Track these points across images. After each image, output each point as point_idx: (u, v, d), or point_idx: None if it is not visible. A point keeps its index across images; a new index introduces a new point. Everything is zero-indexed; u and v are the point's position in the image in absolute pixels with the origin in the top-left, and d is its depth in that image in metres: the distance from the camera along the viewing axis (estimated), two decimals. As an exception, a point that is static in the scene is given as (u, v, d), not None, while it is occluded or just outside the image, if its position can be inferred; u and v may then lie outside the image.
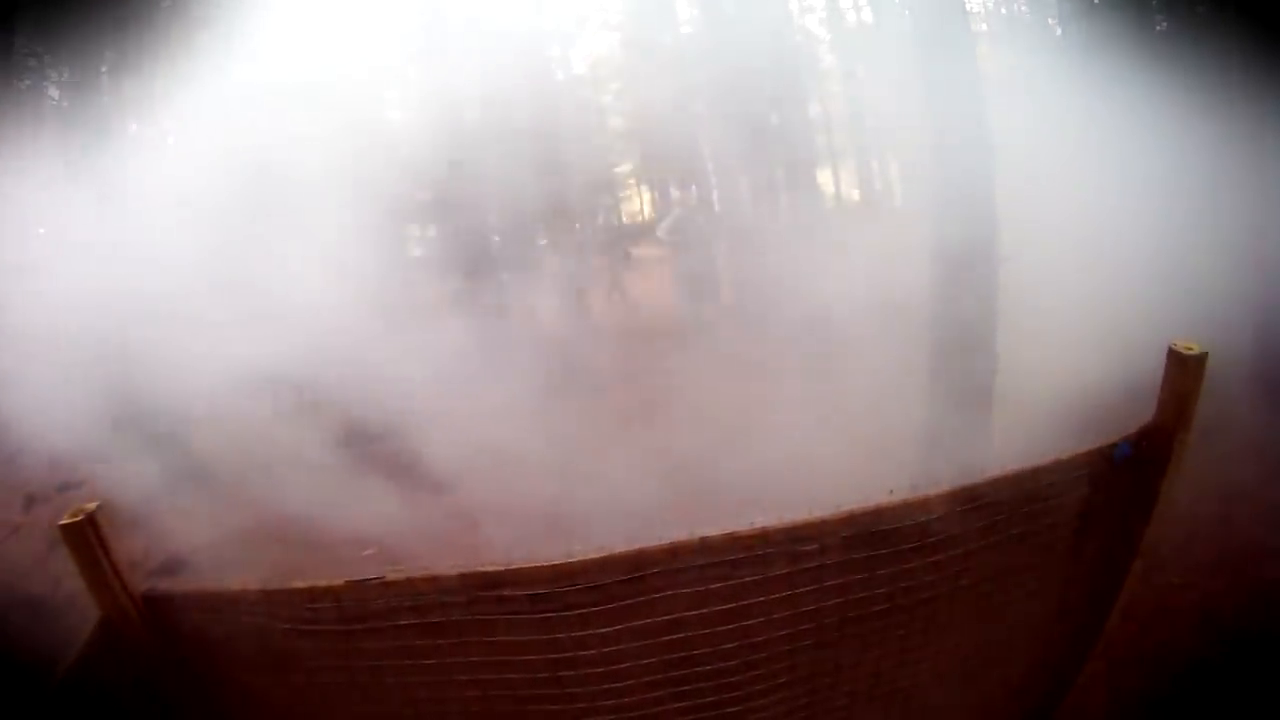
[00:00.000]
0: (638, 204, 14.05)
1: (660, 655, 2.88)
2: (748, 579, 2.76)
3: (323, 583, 2.89)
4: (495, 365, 9.64)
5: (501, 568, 2.75)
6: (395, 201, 11.83)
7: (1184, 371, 2.95)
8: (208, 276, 8.83)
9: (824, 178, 11.95)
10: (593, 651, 2.86)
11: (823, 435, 8.14)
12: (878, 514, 2.77)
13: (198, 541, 7.62)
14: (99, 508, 3.01)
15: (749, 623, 2.85)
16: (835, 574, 2.82)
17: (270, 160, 8.65)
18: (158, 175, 9.06)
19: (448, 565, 2.80)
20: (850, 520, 2.75)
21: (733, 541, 2.71)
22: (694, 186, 12.65)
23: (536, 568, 2.73)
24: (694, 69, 11.54)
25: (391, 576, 2.81)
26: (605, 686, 2.95)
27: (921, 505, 2.80)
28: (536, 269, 10.89)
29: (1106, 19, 7.78)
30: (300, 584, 2.97)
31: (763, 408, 8.82)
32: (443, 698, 3.04)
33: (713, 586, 2.76)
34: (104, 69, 9.04)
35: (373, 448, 9.08)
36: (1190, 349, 2.94)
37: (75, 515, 2.96)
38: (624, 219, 13.95)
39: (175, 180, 9.15)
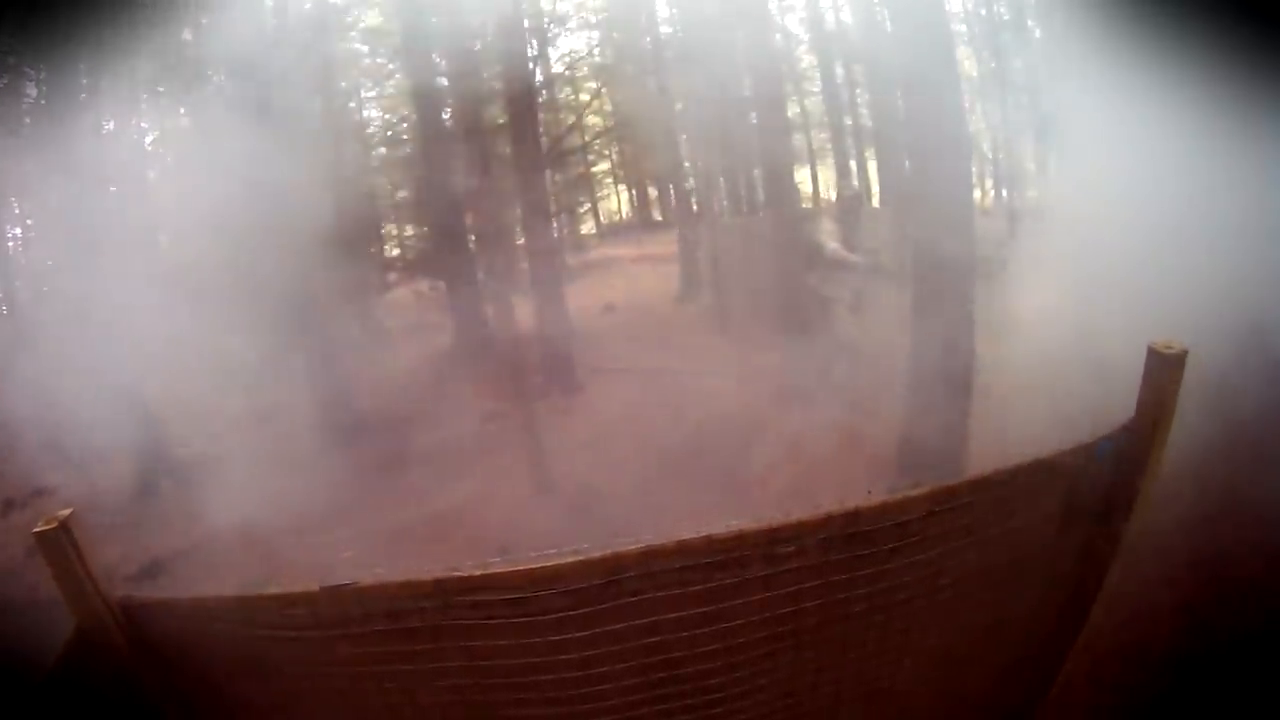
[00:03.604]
0: (615, 203, 14.03)
1: (638, 659, 2.87)
2: (725, 581, 2.75)
3: (299, 589, 2.88)
4: (473, 367, 9.63)
5: (477, 572, 2.73)
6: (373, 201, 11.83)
7: (1164, 370, 2.96)
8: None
9: (802, 178, 11.97)
10: (570, 655, 2.85)
11: (805, 433, 8.15)
12: (855, 515, 2.75)
13: (175, 547, 7.59)
14: (73, 514, 2.98)
15: (727, 625, 2.84)
16: (813, 576, 2.81)
17: (246, 160, 8.62)
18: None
19: (423, 570, 2.79)
20: (828, 522, 2.74)
21: (710, 544, 2.70)
22: (671, 186, 12.64)
23: (512, 572, 2.71)
24: (673, 68, 11.54)
25: (367, 582, 2.79)
26: (583, 690, 2.94)
27: (900, 506, 2.79)
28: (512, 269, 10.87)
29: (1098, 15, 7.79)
30: (276, 590, 2.96)
31: (745, 405, 8.83)
32: (420, 703, 3.03)
33: (690, 589, 2.75)
34: (82, 66, 9.00)
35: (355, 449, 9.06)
36: (1170, 348, 2.94)
37: (49, 522, 2.93)
38: (601, 218, 13.94)
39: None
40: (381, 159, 12.19)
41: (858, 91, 12.08)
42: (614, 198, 14.06)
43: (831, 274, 7.91)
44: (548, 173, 11.41)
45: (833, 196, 12.35)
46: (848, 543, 2.78)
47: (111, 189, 9.21)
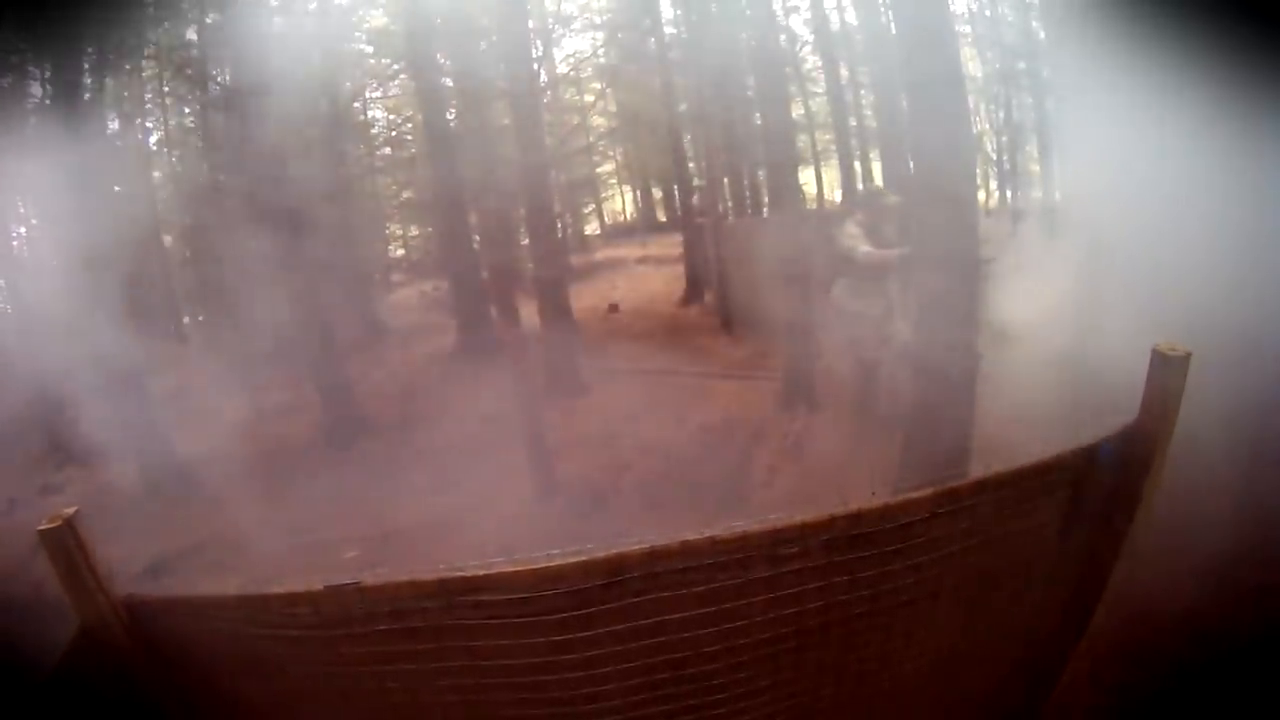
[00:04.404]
0: (620, 204, 14.08)
1: (642, 659, 2.87)
2: (729, 582, 2.75)
3: (302, 588, 2.88)
4: (481, 366, 9.64)
5: (481, 572, 2.73)
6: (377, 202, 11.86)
7: (1167, 372, 2.96)
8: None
9: (806, 178, 11.99)
10: (574, 655, 2.84)
11: (808, 434, 8.15)
12: (858, 517, 2.75)
13: (179, 546, 7.60)
14: (77, 513, 2.98)
15: (731, 626, 2.84)
16: (817, 577, 2.81)
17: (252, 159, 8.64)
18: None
19: (427, 570, 2.79)
20: (831, 523, 2.73)
21: (714, 545, 2.69)
22: (676, 187, 12.67)
23: (515, 572, 2.71)
24: (677, 69, 11.56)
25: (370, 582, 2.79)
26: (586, 690, 2.93)
27: (903, 508, 2.79)
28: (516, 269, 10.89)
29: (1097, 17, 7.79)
30: (279, 589, 2.96)
31: (749, 406, 8.83)
32: (422, 702, 3.03)
33: (694, 590, 2.74)
34: (87, 66, 9.02)
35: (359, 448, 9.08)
36: (1174, 350, 2.94)
37: (54, 520, 2.93)
38: (606, 219, 13.98)
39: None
40: (386, 159, 12.23)
41: (862, 92, 12.12)
42: (618, 198, 14.12)
43: (864, 281, 7.76)
44: (552, 173, 11.44)
45: (838, 197, 12.38)
46: (851, 544, 2.78)
47: (116, 188, 9.24)
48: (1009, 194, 11.33)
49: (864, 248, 7.57)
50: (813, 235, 8.73)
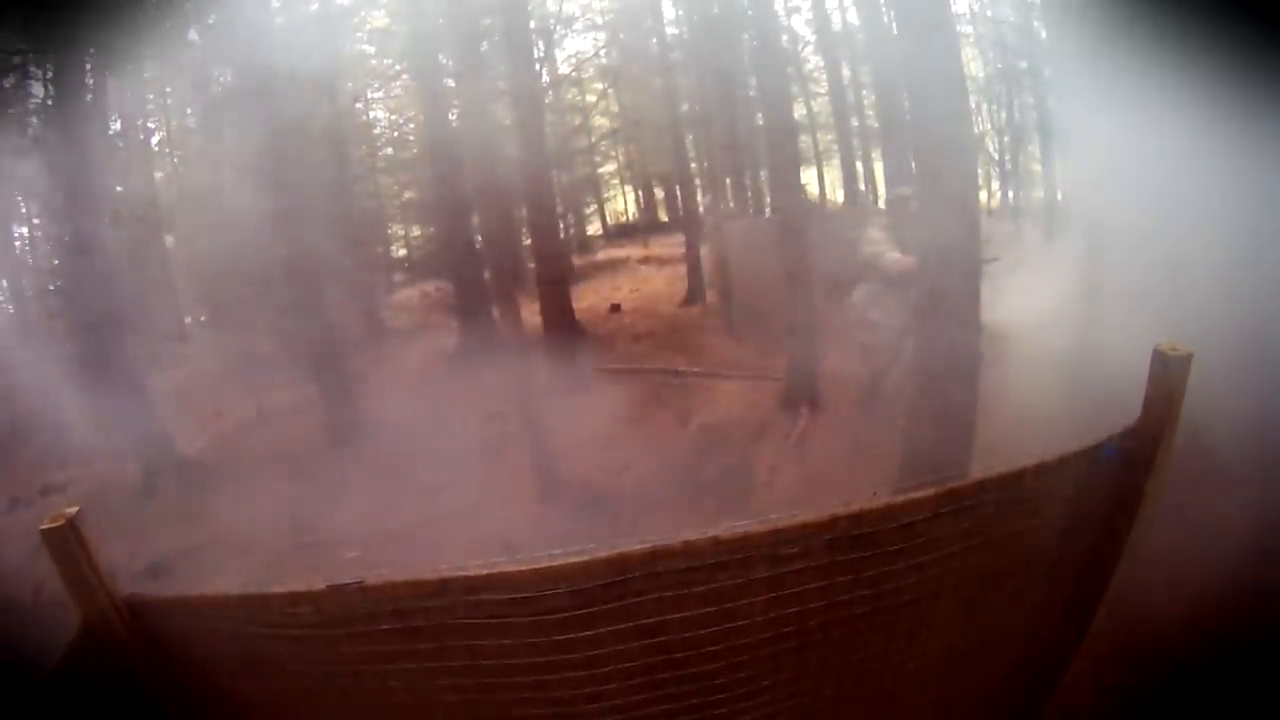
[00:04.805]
0: (622, 204, 14.08)
1: (643, 658, 2.86)
2: (730, 582, 2.74)
3: (304, 588, 2.87)
4: (482, 366, 9.63)
5: (482, 572, 2.73)
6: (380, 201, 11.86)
7: (1169, 372, 2.95)
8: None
9: (808, 178, 11.98)
10: (575, 655, 2.84)
11: (810, 434, 8.15)
12: (860, 517, 2.74)
13: (181, 546, 7.60)
14: (80, 513, 2.98)
15: (732, 625, 2.83)
16: (818, 577, 2.80)
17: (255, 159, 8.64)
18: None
19: (428, 569, 2.78)
20: (832, 524, 2.73)
21: (715, 545, 2.69)
22: (678, 187, 12.66)
23: (517, 572, 2.70)
24: (679, 69, 11.56)
25: (372, 581, 2.79)
26: (588, 690, 2.93)
27: (904, 508, 2.78)
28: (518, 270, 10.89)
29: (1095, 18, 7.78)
30: (281, 589, 2.95)
31: (752, 407, 8.83)
32: (424, 701, 3.03)
33: (695, 590, 2.74)
34: (89, 66, 9.01)
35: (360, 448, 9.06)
36: (1175, 350, 2.93)
37: (56, 520, 2.93)
38: (608, 219, 13.98)
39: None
40: (388, 159, 12.23)
41: (864, 93, 12.13)
42: (620, 198, 14.12)
43: (885, 288, 7.69)
44: (554, 173, 11.43)
45: (839, 197, 12.39)
46: (852, 544, 2.77)
47: (118, 188, 9.25)
48: (1010, 194, 11.34)
49: (891, 254, 7.53)
50: (814, 235, 8.73)
